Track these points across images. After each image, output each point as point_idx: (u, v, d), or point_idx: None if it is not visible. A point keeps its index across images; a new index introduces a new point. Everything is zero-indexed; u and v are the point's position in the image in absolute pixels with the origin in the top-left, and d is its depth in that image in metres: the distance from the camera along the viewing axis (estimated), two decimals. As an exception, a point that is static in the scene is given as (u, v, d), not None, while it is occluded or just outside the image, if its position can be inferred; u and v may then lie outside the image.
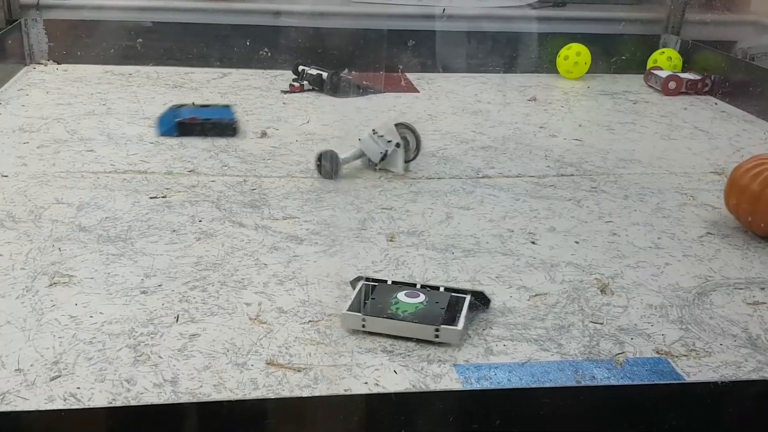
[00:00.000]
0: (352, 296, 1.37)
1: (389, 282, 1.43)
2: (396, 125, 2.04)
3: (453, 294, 1.38)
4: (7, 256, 1.51)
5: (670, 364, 1.26)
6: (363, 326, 1.31)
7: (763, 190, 1.68)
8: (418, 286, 1.41)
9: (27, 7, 2.92)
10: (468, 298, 1.37)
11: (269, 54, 3.02)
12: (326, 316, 1.36)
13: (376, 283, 1.42)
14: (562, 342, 1.31)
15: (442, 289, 1.40)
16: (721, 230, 1.79)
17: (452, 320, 1.31)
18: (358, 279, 1.43)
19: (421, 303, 1.35)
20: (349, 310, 1.32)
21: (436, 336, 1.29)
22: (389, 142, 2.01)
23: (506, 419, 1.07)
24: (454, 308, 1.35)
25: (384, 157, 2.02)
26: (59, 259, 1.51)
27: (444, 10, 3.11)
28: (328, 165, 1.98)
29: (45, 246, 1.55)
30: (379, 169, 2.04)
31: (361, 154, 2.04)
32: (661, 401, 1.11)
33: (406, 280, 1.46)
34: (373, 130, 2.03)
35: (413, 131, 2.06)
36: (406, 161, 2.06)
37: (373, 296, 1.37)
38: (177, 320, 1.33)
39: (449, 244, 1.66)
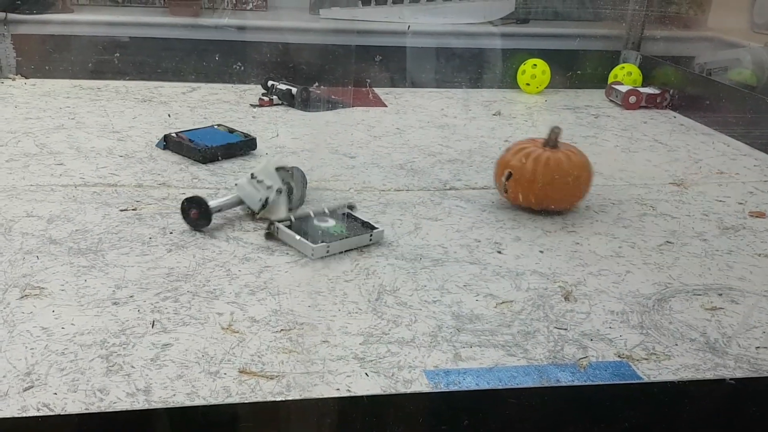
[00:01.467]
0: (297, 237, 1.65)
1: (293, 219, 1.72)
2: (277, 169, 1.83)
3: (338, 210, 1.79)
4: (-23, 269, 1.51)
5: (631, 367, 1.31)
6: (328, 251, 1.64)
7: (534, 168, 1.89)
8: (314, 214, 1.77)
9: (-6, 22, 2.91)
10: (347, 210, 1.79)
11: (242, 68, 3.04)
12: (298, 325, 1.38)
13: (289, 221, 1.72)
14: (528, 347, 1.35)
15: (327, 211, 1.79)
16: (680, 239, 1.85)
17: (367, 226, 1.74)
18: (271, 225, 1.71)
19: (337, 223, 1.75)
20: (313, 244, 1.62)
21: (371, 240, 1.71)
22: (269, 188, 1.80)
23: (474, 420, 1.10)
24: (352, 218, 1.77)
25: (264, 204, 1.80)
26: (30, 271, 1.51)
27: (408, 27, 3.17)
28: (194, 214, 1.74)
29: (15, 259, 1.56)
30: (259, 218, 1.81)
31: (240, 202, 1.82)
32: (622, 400, 1.15)
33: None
34: (252, 174, 1.82)
35: (296, 175, 1.87)
36: (290, 208, 1.84)
37: (307, 231, 1.66)
38: (153, 325, 1.34)
39: (418, 254, 1.69)
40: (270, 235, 1.72)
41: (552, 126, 1.95)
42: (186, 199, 1.75)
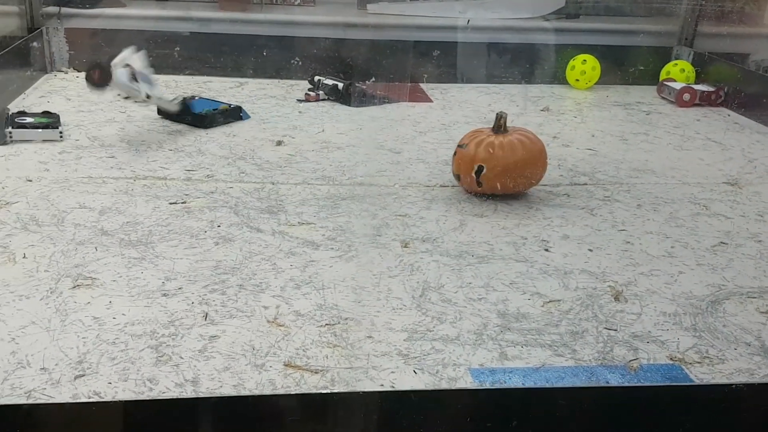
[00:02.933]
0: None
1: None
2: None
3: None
4: (31, 259, 1.54)
5: (684, 370, 1.28)
6: None
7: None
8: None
9: (49, 16, 2.97)
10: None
11: (291, 63, 3.05)
12: (342, 320, 1.38)
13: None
14: (576, 348, 1.33)
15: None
16: (735, 240, 1.81)
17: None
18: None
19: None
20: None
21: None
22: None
23: (523, 419, 1.09)
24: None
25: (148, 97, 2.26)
26: (82, 261, 1.54)
27: (468, 21, 3.15)
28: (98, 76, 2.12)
29: (68, 249, 1.59)
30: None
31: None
32: (675, 403, 1.12)
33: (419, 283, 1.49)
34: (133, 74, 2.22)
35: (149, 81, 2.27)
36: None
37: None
38: (206, 318, 1.35)
39: (463, 251, 1.68)
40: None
41: (498, 112, 1.98)
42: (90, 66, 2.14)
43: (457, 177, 2.00)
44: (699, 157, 2.42)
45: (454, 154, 2.00)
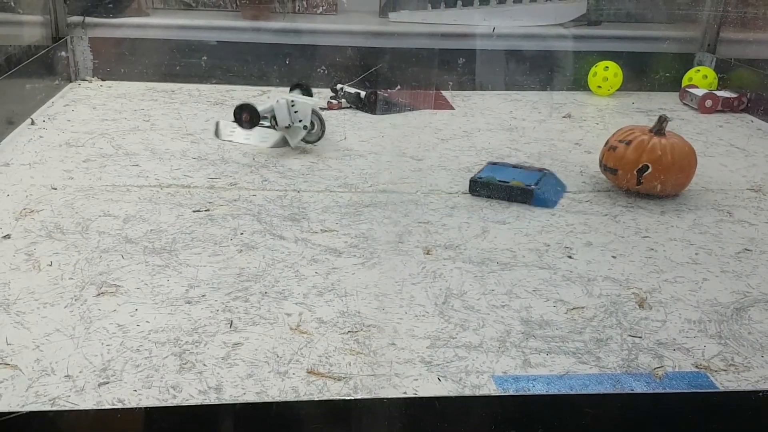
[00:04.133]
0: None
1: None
2: (312, 111, 2.28)
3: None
4: (56, 266, 1.55)
5: (709, 378, 1.27)
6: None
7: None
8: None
9: (73, 25, 3.00)
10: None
11: (315, 72, 3.07)
12: (365, 327, 1.38)
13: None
14: (601, 355, 1.32)
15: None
16: (759, 246, 1.79)
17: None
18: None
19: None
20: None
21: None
22: (300, 121, 2.26)
23: (547, 427, 1.08)
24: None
25: (288, 127, 2.27)
26: (107, 269, 1.55)
27: (494, 29, 3.15)
28: (246, 117, 2.24)
29: (92, 257, 1.60)
30: (272, 127, 2.30)
31: (271, 111, 2.26)
32: (700, 411, 1.11)
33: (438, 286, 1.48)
34: (292, 101, 2.25)
35: (322, 122, 2.32)
36: (307, 141, 2.34)
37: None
38: (231, 325, 1.36)
39: (486, 258, 1.68)
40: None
41: (660, 115, 2.08)
42: (238, 106, 2.24)
43: (613, 171, 2.06)
44: (722, 163, 2.40)
45: (609, 148, 2.08)
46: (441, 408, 1.09)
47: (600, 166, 2.13)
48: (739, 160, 2.43)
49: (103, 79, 3.04)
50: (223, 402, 1.16)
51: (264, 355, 1.29)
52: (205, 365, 1.25)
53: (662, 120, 2.06)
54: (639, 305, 1.49)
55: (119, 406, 1.14)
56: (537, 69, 3.23)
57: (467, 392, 1.21)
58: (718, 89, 3.11)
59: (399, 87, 3.04)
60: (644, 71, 3.28)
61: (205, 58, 3.06)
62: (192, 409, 1.12)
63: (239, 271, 1.57)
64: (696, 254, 1.74)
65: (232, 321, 1.38)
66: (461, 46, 3.18)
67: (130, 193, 1.94)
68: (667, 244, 1.78)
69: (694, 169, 2.07)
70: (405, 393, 1.20)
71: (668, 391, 1.23)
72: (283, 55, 3.09)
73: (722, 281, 1.61)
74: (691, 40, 3.37)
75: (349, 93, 2.83)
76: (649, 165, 1.99)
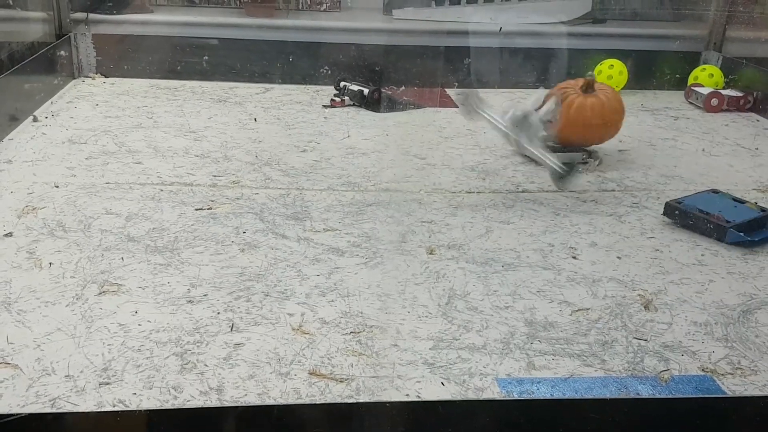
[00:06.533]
0: None
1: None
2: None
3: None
4: (58, 265, 1.55)
5: (716, 382, 1.25)
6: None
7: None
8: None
9: (76, 22, 2.99)
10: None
11: (317, 69, 3.05)
12: (367, 328, 1.37)
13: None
14: (606, 358, 1.31)
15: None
16: (766, 248, 1.77)
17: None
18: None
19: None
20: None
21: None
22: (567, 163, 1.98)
23: (551, 431, 1.07)
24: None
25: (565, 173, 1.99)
26: (108, 268, 1.54)
27: (500, 29, 3.13)
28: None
29: (94, 255, 1.59)
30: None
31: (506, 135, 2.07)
32: (707, 415, 1.10)
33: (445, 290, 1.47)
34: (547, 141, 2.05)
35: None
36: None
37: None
38: (232, 328, 1.35)
39: (489, 258, 1.67)
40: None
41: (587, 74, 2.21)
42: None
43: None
44: (728, 163, 2.38)
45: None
46: (444, 412, 1.08)
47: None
48: (745, 160, 2.42)
49: (106, 76, 3.03)
50: (225, 405, 1.15)
51: (266, 355, 1.28)
52: (206, 365, 1.24)
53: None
54: (644, 307, 1.48)
55: (120, 407, 1.13)
56: (542, 67, 3.21)
57: (471, 394, 1.20)
58: (724, 88, 3.09)
59: (403, 88, 3.02)
60: (650, 69, 3.26)
61: (207, 55, 3.05)
62: (193, 412, 1.11)
63: (241, 270, 1.56)
64: (702, 255, 1.72)
65: (233, 324, 1.36)
66: (465, 44, 3.16)
67: (133, 191, 1.93)
68: (673, 245, 1.77)
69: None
70: (408, 396, 1.19)
71: (675, 396, 1.21)
72: (286, 52, 3.07)
73: (728, 283, 1.60)
74: (697, 39, 3.35)
75: (353, 90, 2.82)
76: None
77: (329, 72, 3.06)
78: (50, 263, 1.55)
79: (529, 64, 3.21)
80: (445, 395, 1.19)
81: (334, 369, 1.25)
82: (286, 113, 2.69)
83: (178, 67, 3.06)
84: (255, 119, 2.56)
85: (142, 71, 3.03)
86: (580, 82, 2.26)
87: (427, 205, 1.94)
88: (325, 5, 3.36)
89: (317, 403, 1.15)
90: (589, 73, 2.26)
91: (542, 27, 3.28)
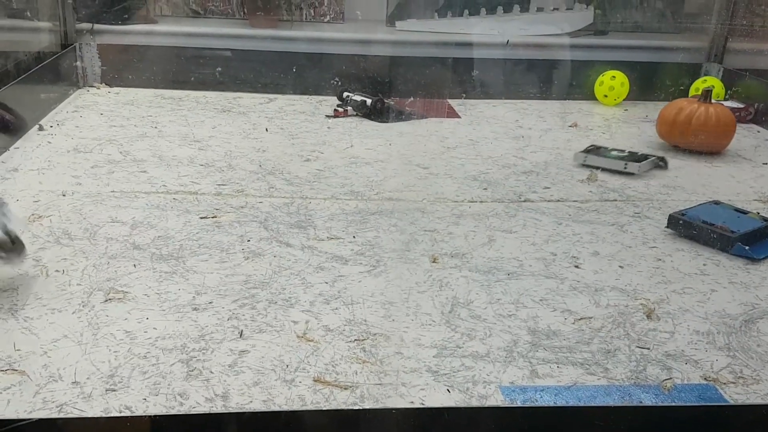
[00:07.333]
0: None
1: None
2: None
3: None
4: (64, 272, 1.56)
5: (718, 390, 1.26)
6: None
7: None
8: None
9: (82, 32, 3.02)
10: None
11: (321, 80, 3.07)
12: (371, 335, 1.38)
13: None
14: (609, 366, 1.32)
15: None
16: (768, 258, 1.78)
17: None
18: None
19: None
20: None
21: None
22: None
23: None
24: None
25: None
26: (114, 275, 1.55)
27: (508, 42, 3.15)
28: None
29: (100, 263, 1.60)
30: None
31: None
32: (709, 424, 1.11)
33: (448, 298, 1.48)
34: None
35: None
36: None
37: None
38: (241, 335, 1.36)
39: (492, 267, 1.67)
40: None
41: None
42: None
43: None
44: (729, 173, 2.40)
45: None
46: (449, 418, 1.08)
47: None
48: (746, 171, 2.43)
49: (111, 86, 3.05)
50: (230, 411, 1.15)
51: (270, 362, 1.29)
52: (211, 372, 1.25)
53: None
54: (647, 316, 1.49)
55: (126, 413, 1.13)
56: (543, 78, 3.23)
57: (474, 402, 1.20)
58: (725, 99, 3.10)
59: (407, 98, 3.03)
60: (651, 81, 3.28)
61: (212, 65, 3.07)
62: (199, 418, 1.12)
63: (246, 278, 1.57)
64: (704, 265, 1.73)
65: (242, 331, 1.37)
66: (467, 55, 3.18)
67: (138, 200, 1.94)
68: (675, 254, 1.78)
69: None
70: (412, 403, 1.19)
71: (677, 404, 1.22)
72: (290, 62, 3.09)
73: (730, 292, 1.61)
74: (698, 50, 3.37)
75: (356, 101, 2.84)
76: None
77: (332, 82, 3.08)
78: (56, 270, 1.56)
79: (532, 75, 3.23)
80: (449, 402, 1.20)
81: (338, 376, 1.26)
82: (290, 123, 2.71)
83: (183, 77, 3.08)
84: (267, 129, 2.58)
85: (146, 81, 3.05)
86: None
87: (430, 214, 1.95)
88: (328, 17, 3.38)
89: (323, 409, 1.16)
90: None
91: (544, 38, 3.30)
